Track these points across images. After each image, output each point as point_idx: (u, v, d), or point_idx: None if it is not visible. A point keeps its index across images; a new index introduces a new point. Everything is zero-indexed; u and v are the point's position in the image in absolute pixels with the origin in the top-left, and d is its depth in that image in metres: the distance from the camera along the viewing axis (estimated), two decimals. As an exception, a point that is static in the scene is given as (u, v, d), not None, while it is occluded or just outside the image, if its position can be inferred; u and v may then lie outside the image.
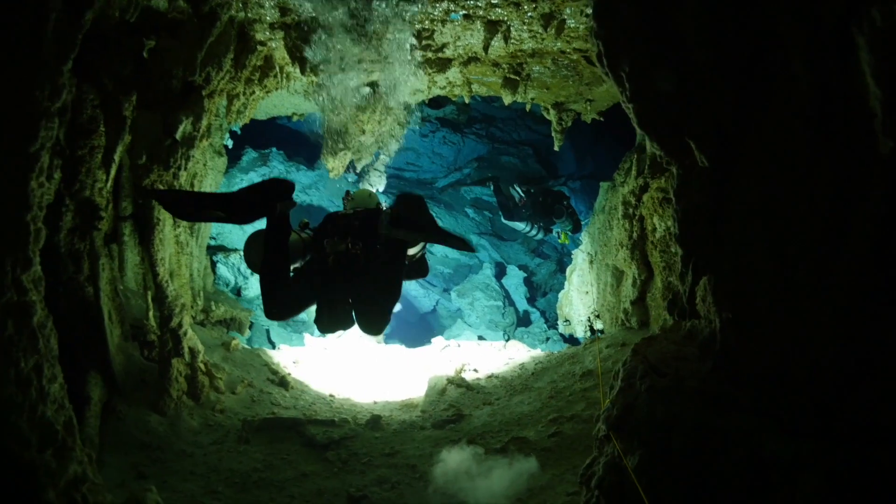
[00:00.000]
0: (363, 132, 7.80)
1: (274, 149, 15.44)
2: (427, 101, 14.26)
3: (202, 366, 6.26)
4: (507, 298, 15.92)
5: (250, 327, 13.59)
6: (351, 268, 3.98)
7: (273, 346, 13.18)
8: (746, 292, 2.67)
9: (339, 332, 4.51)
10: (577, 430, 4.69)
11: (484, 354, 8.25)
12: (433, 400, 6.08)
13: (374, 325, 3.91)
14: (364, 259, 3.96)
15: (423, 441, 5.27)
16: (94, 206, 5.17)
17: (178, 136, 5.37)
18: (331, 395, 6.86)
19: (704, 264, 3.10)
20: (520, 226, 11.42)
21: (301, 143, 19.85)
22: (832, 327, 2.26)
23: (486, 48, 5.44)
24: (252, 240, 3.86)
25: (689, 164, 3.03)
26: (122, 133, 5.20)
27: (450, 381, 6.45)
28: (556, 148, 8.55)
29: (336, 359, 8.46)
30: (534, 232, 10.60)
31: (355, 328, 3.92)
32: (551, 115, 8.24)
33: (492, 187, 11.75)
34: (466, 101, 7.93)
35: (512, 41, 5.72)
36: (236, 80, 5.85)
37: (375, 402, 6.60)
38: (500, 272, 17.43)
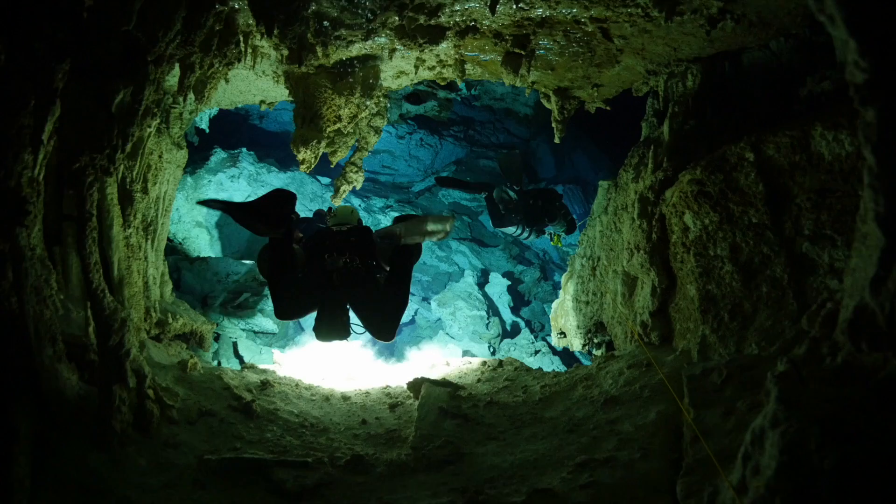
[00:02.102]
0: (338, 118, 6.79)
1: (244, 149, 14.91)
2: (406, 97, 13.39)
3: (151, 392, 5.20)
4: (491, 308, 14.96)
5: (217, 339, 12.53)
6: (351, 280, 4.47)
7: (241, 362, 12.12)
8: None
9: (336, 341, 4.81)
10: (618, 478, 3.71)
11: (475, 373, 7.27)
12: (425, 434, 5.07)
13: (384, 332, 4.50)
14: (364, 271, 4.46)
15: (417, 489, 4.26)
16: (20, 199, 4.12)
17: (112, 108, 4.34)
18: (303, 425, 5.84)
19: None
20: (510, 229, 10.48)
21: (272, 144, 18.95)
22: None
23: (492, 6, 4.46)
24: (263, 249, 4.45)
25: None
26: (51, 108, 4.15)
27: (442, 409, 5.44)
28: (556, 140, 7.60)
29: (308, 378, 7.41)
30: (524, 234, 9.65)
31: (351, 343, 4.90)
32: (552, 103, 7.29)
33: (483, 195, 10.77)
34: (459, 83, 6.96)
35: (522, 4, 4.76)
36: (190, 44, 4.81)
37: (356, 435, 5.58)
38: (481, 280, 16.48)
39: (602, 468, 3.88)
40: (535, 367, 12.40)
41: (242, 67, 6.85)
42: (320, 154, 7.07)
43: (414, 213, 17.91)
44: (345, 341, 4.91)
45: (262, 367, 8.09)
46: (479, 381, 6.82)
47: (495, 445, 4.79)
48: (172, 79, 6.18)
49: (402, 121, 15.82)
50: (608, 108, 7.39)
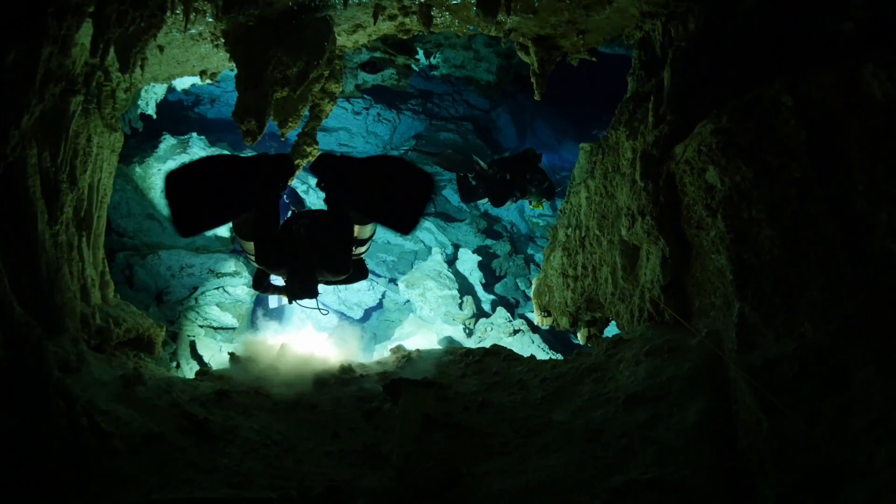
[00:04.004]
0: (286, 80, 5.82)
1: (194, 134, 14.14)
2: (362, 65, 12.37)
3: (85, 420, 4.24)
4: (463, 286, 14.12)
5: (174, 338, 11.56)
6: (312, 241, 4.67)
7: (201, 363, 11.21)
8: None
9: (308, 302, 5.00)
10: (673, 511, 2.89)
11: (457, 365, 6.40)
12: (411, 452, 4.20)
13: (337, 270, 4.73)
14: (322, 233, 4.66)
15: (409, 529, 3.40)
16: None
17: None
18: (266, 443, 4.95)
19: None
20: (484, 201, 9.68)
21: (225, 128, 17.90)
22: None
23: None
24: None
25: None
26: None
27: (428, 417, 4.57)
28: (536, 97, 6.73)
29: (270, 383, 6.48)
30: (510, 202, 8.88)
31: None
32: (531, 55, 6.40)
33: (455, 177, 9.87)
34: (426, 33, 6.03)
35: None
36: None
37: (328, 453, 4.70)
38: (450, 257, 15.63)
39: (647, 493, 3.07)
40: (516, 348, 11.60)
41: (176, 29, 5.88)
42: (266, 123, 6.09)
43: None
44: (318, 310, 5.30)
45: (217, 372, 7.16)
46: (463, 375, 5.97)
47: (500, 462, 3.94)
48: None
49: (359, 94, 14.79)
50: (594, 58, 6.53)
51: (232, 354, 7.38)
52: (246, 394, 5.99)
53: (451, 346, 7.89)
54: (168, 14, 5.20)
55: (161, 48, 6.39)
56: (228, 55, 6.15)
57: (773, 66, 4.47)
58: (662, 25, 5.37)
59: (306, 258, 4.68)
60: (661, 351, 4.60)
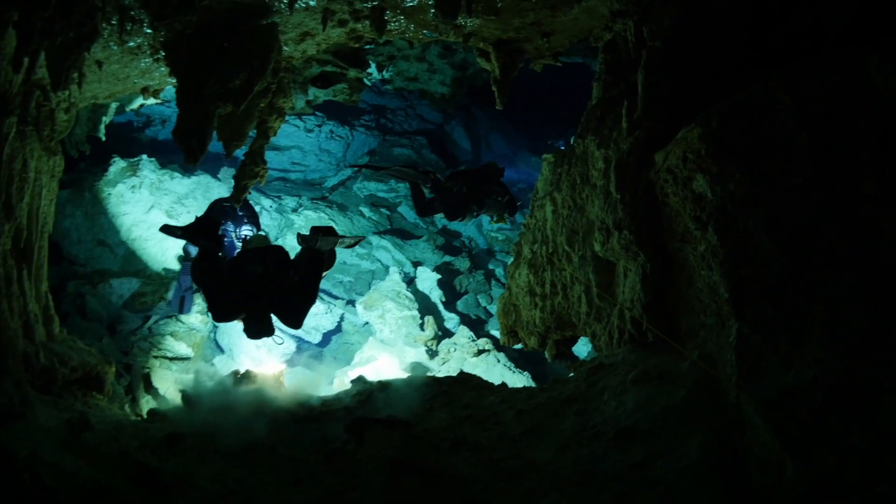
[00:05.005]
0: (228, 94, 5.30)
1: (144, 156, 13.66)
2: (313, 79, 11.84)
3: (28, 475, 3.65)
4: (423, 306, 13.63)
5: (128, 369, 10.90)
6: (269, 287, 5.14)
7: (157, 396, 10.57)
8: None
9: (264, 338, 5.31)
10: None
11: (423, 396, 5.89)
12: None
13: (292, 322, 5.23)
14: (280, 279, 5.17)
15: None
16: None
17: None
18: (222, 494, 4.39)
19: None
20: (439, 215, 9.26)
21: (176, 150, 17.17)
22: None
23: None
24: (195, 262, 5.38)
25: None
26: None
27: (396, 463, 4.07)
28: (498, 107, 6.32)
29: (226, 419, 5.87)
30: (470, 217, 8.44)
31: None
32: (492, 61, 5.99)
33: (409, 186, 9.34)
34: (379, 39, 5.58)
35: None
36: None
37: (289, 503, 4.17)
38: (409, 276, 15.13)
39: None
40: (482, 369, 11.14)
41: (113, 42, 5.41)
42: (208, 142, 5.56)
43: (329, 211, 16.49)
44: (272, 338, 5.39)
45: (168, 411, 6.56)
46: (431, 409, 5.47)
47: (481, 516, 3.47)
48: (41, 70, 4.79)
49: (311, 110, 14.26)
50: (559, 63, 6.15)
51: (183, 393, 6.77)
52: (199, 436, 5.40)
53: (415, 376, 7.39)
54: (101, 23, 4.70)
55: (99, 63, 5.92)
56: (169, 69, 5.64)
57: (762, 62, 4.13)
58: (635, 25, 5.00)
59: (262, 300, 5.13)
60: (650, 377, 4.19)
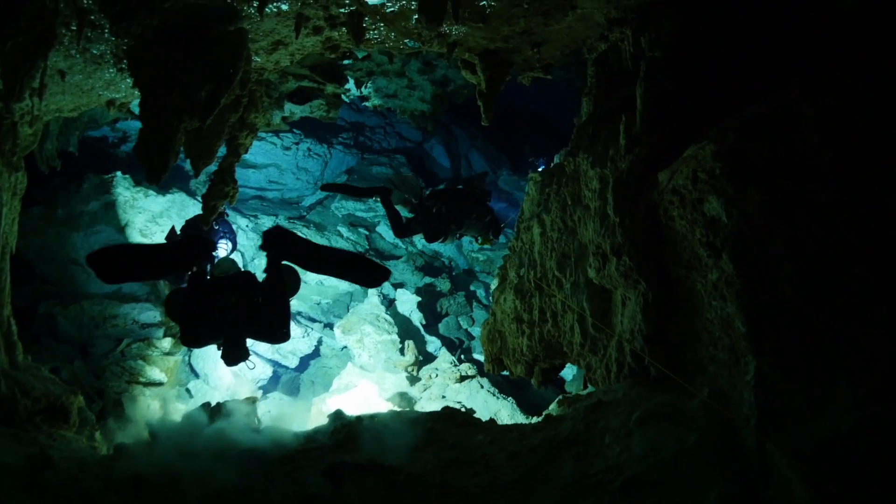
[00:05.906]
0: (193, 107, 4.89)
1: (118, 173, 13.34)
2: (289, 95, 11.45)
3: None
4: (403, 329, 13.19)
5: (100, 394, 10.37)
6: (241, 313, 5.01)
7: (129, 423, 10.05)
8: None
9: (242, 365, 5.21)
10: None
11: (406, 435, 5.45)
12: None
13: (277, 340, 5.08)
14: (250, 305, 5.00)
15: None
16: None
17: None
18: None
19: None
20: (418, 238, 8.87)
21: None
22: None
23: None
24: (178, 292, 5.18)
25: None
26: None
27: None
28: (484, 122, 5.97)
29: (196, 459, 5.38)
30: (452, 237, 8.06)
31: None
32: (478, 73, 5.63)
33: (379, 200, 8.92)
34: (356, 51, 5.20)
35: None
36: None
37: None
38: (388, 298, 14.70)
39: None
40: (465, 395, 10.72)
41: (74, 50, 5.14)
42: (173, 159, 5.14)
43: (307, 231, 16.08)
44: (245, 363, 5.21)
45: (134, 447, 6.03)
46: (415, 448, 5.03)
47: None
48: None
49: (288, 127, 13.87)
50: (549, 76, 5.81)
51: (150, 428, 6.26)
52: (166, 477, 4.94)
53: (396, 411, 6.96)
54: (59, 28, 4.31)
55: (62, 73, 5.58)
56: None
57: (771, 72, 3.80)
58: (633, 34, 4.66)
59: (238, 328, 5.00)
60: (657, 418, 3.80)
